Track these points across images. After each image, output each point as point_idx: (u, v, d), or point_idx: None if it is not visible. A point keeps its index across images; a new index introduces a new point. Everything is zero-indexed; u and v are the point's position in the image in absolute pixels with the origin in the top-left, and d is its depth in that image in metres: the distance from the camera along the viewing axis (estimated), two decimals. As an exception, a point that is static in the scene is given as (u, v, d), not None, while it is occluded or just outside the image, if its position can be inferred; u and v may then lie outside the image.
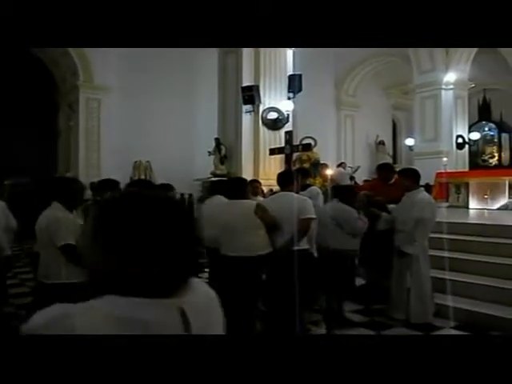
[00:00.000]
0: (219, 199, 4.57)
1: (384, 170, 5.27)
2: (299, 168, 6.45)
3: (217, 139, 10.30)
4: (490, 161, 16.89)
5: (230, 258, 3.72)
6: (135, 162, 11.19)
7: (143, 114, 11.95)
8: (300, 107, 13.30)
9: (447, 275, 4.86)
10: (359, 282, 5.14)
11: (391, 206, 4.71)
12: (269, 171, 9.66)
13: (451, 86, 12.99)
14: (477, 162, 15.97)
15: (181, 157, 11.81)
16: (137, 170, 11.06)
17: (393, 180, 5.12)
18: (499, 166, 16.03)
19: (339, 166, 12.51)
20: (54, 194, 3.17)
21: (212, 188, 5.05)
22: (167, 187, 4.49)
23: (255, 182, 5.79)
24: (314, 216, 3.89)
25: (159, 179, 8.58)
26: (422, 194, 4.45)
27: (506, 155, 16.67)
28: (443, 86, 12.98)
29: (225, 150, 10.12)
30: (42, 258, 3.11)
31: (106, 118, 11.81)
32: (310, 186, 5.48)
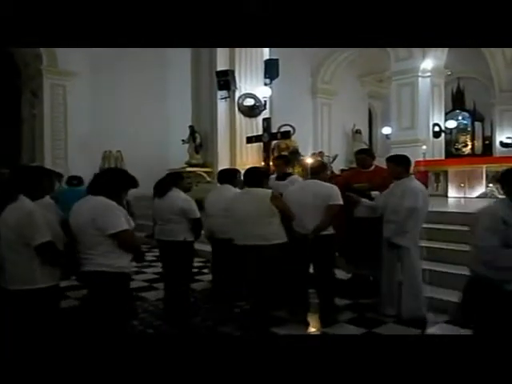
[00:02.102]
0: (228, 189, 4.60)
1: (363, 156, 5.00)
2: (281, 155, 6.13)
3: (191, 127, 9.88)
4: (463, 149, 17.09)
5: (246, 247, 3.79)
6: (105, 151, 10.65)
7: (113, 101, 11.40)
8: (276, 94, 12.98)
9: (429, 266, 4.68)
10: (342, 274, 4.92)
11: (374, 193, 4.47)
12: (246, 160, 9.33)
13: (428, 74, 12.92)
14: (450, 150, 16.10)
15: (154, 146, 11.34)
16: (107, 160, 10.52)
17: (373, 167, 4.88)
18: (472, 154, 16.22)
19: (319, 154, 12.26)
20: (18, 186, 2.71)
21: (220, 177, 4.97)
22: (178, 175, 4.59)
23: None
24: (341, 202, 4.05)
25: (130, 169, 8.11)
26: (414, 182, 4.20)
27: (478, 144, 16.88)
28: (420, 74, 12.88)
29: (200, 139, 9.72)
30: (8, 261, 2.60)
31: (73, 106, 11.19)
32: (290, 174, 5.20)
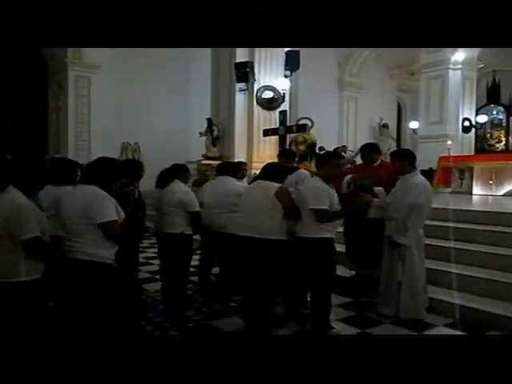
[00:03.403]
0: (228, 180, 4.57)
1: (367, 151, 4.79)
2: (285, 151, 5.98)
3: (209, 119, 9.83)
4: (497, 145, 16.34)
5: (241, 238, 3.62)
6: (123, 143, 10.77)
7: (135, 93, 11.49)
8: (301, 86, 12.75)
9: (444, 266, 4.51)
10: (346, 272, 4.79)
11: (377, 189, 4.21)
12: (263, 154, 9.21)
13: (459, 66, 12.40)
14: (483, 146, 15.46)
15: (174, 138, 11.36)
16: (124, 152, 10.65)
17: (378, 161, 4.69)
18: (506, 150, 15.51)
19: (342, 148, 11.99)
20: (9, 177, 2.70)
21: (219, 169, 4.93)
22: (182, 167, 4.47)
23: (242, 165, 5.45)
24: (315, 207, 3.52)
25: (148, 161, 8.16)
26: (417, 178, 4.00)
27: (514, 139, 16.11)
28: (451, 66, 12.37)
29: (217, 132, 9.66)
30: None
31: (97, 97, 11.35)
32: (297, 168, 5.05)
